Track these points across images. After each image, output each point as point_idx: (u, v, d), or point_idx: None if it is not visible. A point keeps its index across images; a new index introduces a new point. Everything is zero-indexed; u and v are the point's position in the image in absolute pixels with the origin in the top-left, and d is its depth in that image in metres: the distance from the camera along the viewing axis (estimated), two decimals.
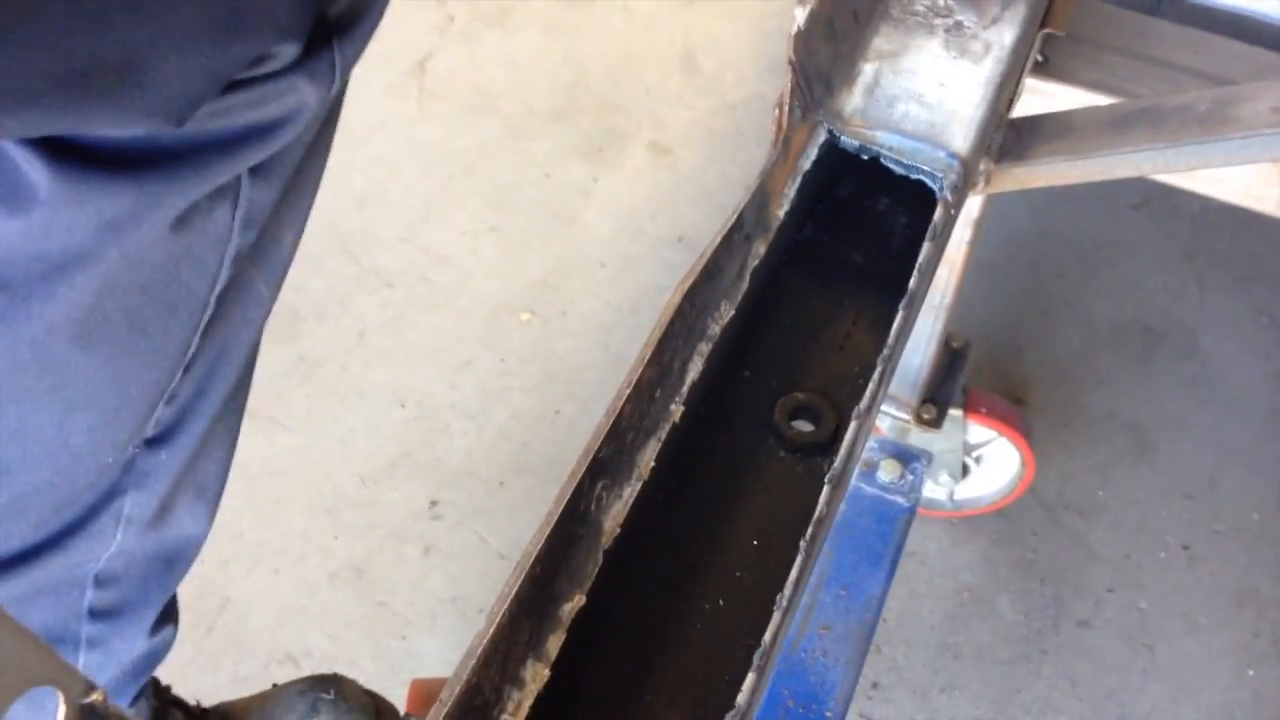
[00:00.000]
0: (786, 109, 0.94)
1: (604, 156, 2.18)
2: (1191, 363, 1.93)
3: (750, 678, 0.61)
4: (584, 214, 2.11)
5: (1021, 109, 1.15)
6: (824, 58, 0.97)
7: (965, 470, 1.72)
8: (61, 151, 0.63)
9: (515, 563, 0.62)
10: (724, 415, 0.85)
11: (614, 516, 0.69)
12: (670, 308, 0.76)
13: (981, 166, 1.13)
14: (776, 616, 0.69)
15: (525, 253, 2.05)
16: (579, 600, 0.65)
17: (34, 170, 0.63)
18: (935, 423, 1.58)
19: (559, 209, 2.11)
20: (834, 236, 1.01)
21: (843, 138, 0.96)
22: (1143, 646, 1.66)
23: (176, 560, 0.92)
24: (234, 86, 0.63)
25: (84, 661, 0.90)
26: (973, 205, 1.40)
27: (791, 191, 0.94)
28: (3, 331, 0.69)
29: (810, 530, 0.73)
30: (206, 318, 0.76)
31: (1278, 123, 1.03)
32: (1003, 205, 1.98)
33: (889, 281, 0.94)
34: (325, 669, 1.20)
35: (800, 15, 0.93)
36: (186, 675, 1.49)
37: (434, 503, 1.78)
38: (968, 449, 1.69)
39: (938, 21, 1.06)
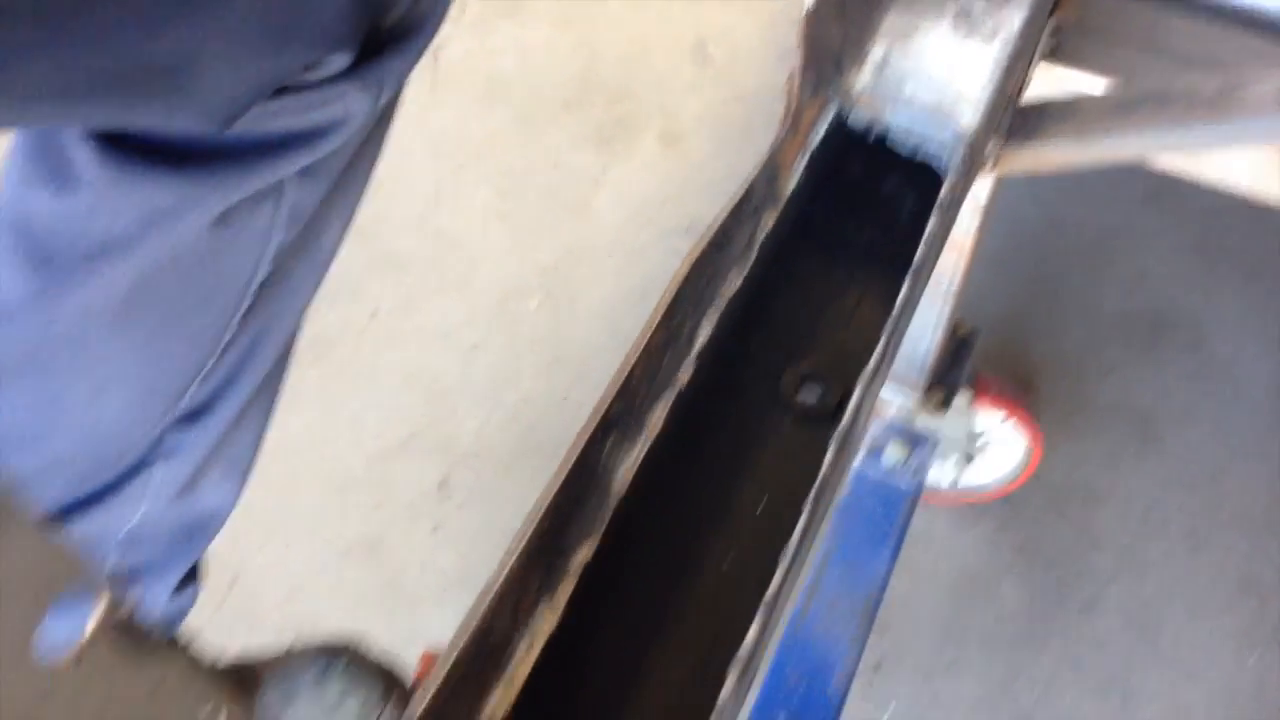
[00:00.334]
0: (797, 85, 0.96)
1: (614, 146, 2.19)
2: (1199, 354, 1.94)
3: (755, 627, 0.63)
4: (594, 202, 2.12)
5: (1031, 95, 1.16)
6: (834, 37, 0.99)
7: (971, 456, 1.73)
8: (110, 140, 0.64)
9: (526, 514, 0.63)
10: (731, 383, 0.86)
11: (624, 471, 0.70)
12: (680, 274, 0.77)
13: (989, 147, 1.14)
14: (781, 571, 0.70)
15: (535, 239, 2.07)
16: (589, 550, 0.66)
17: (81, 154, 0.65)
18: (942, 407, 1.59)
19: (569, 197, 2.13)
20: (843, 215, 1.03)
21: (852, 114, 0.98)
22: (1146, 631, 1.67)
23: (202, 530, 0.93)
24: (283, 91, 0.64)
25: None
26: (981, 191, 1.41)
27: (801, 166, 0.95)
28: (42, 306, 0.70)
29: (815, 489, 0.75)
30: (245, 307, 0.77)
31: None
32: (1012, 197, 1.99)
33: (896, 261, 0.95)
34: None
35: None
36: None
37: (443, 482, 1.80)
38: (974, 435, 1.70)
39: (948, 3, 1.07)
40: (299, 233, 0.75)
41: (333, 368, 1.90)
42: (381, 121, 0.77)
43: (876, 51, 1.02)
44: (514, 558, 0.60)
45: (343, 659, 1.10)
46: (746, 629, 0.66)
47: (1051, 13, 1.12)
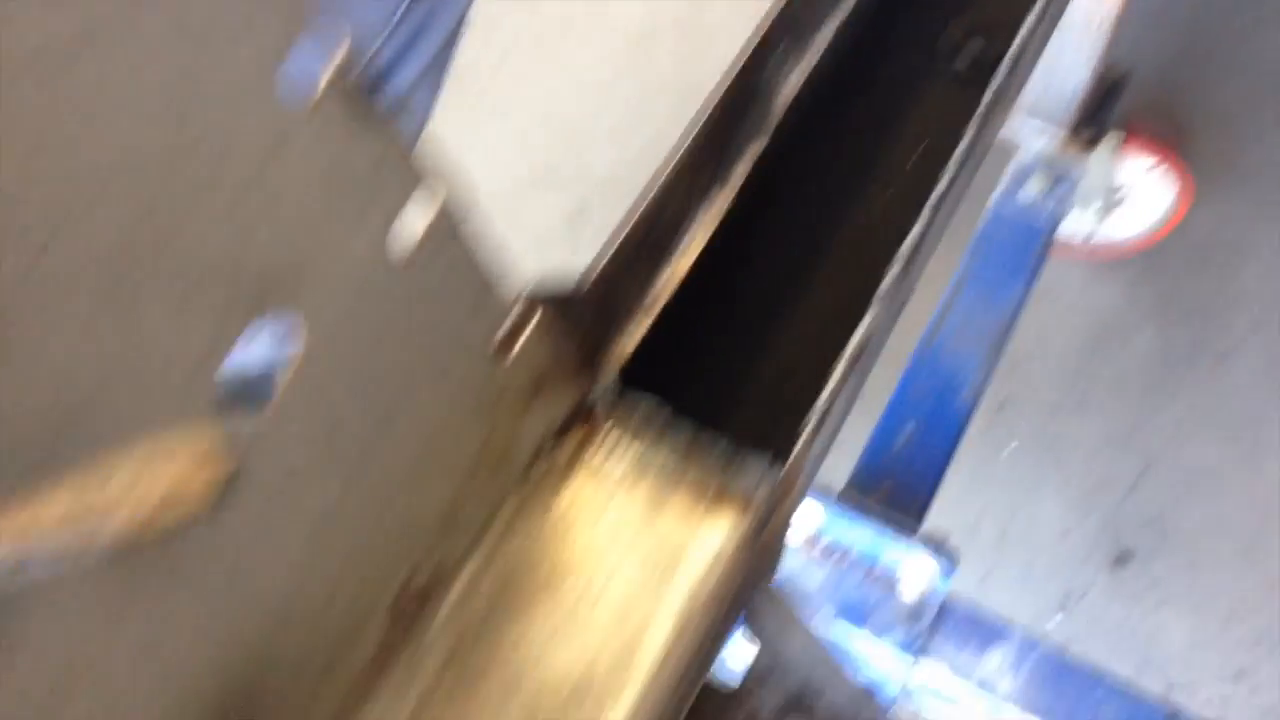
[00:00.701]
0: None
1: None
2: None
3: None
4: None
5: None
6: None
7: (1113, 205, 1.71)
8: None
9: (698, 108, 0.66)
10: (890, 37, 0.87)
11: (792, 83, 0.72)
12: None
13: None
14: (927, 213, 0.72)
15: None
16: (763, 140, 0.69)
17: None
18: (1088, 147, 1.56)
19: None
20: None
21: None
22: None
23: None
24: None
25: None
26: None
27: None
28: None
29: (964, 144, 0.76)
30: None
31: None
32: None
33: None
34: None
35: None
36: None
37: (576, 213, 1.84)
38: (1119, 181, 1.67)
39: None
40: None
41: (467, 99, 1.94)
42: None
43: None
44: (688, 141, 0.63)
45: None
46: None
47: None
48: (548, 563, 0.60)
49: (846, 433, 1.47)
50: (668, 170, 0.62)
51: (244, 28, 0.40)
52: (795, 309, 0.72)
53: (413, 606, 0.56)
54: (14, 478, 0.37)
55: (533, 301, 0.57)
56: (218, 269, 0.42)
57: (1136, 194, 1.71)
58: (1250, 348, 1.70)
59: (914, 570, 1.16)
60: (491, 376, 0.56)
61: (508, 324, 0.56)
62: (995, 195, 1.48)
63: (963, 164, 0.76)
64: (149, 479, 0.40)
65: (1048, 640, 1.15)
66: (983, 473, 1.64)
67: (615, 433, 0.63)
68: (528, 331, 0.57)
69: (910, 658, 1.15)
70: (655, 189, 0.62)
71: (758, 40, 0.69)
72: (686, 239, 0.67)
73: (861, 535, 1.16)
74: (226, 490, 0.43)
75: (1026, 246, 1.44)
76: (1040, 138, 1.56)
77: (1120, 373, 1.69)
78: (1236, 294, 1.74)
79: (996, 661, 1.16)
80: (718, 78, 0.70)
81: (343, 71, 0.44)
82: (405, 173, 0.49)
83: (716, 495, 0.61)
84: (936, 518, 1.24)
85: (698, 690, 0.63)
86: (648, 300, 0.67)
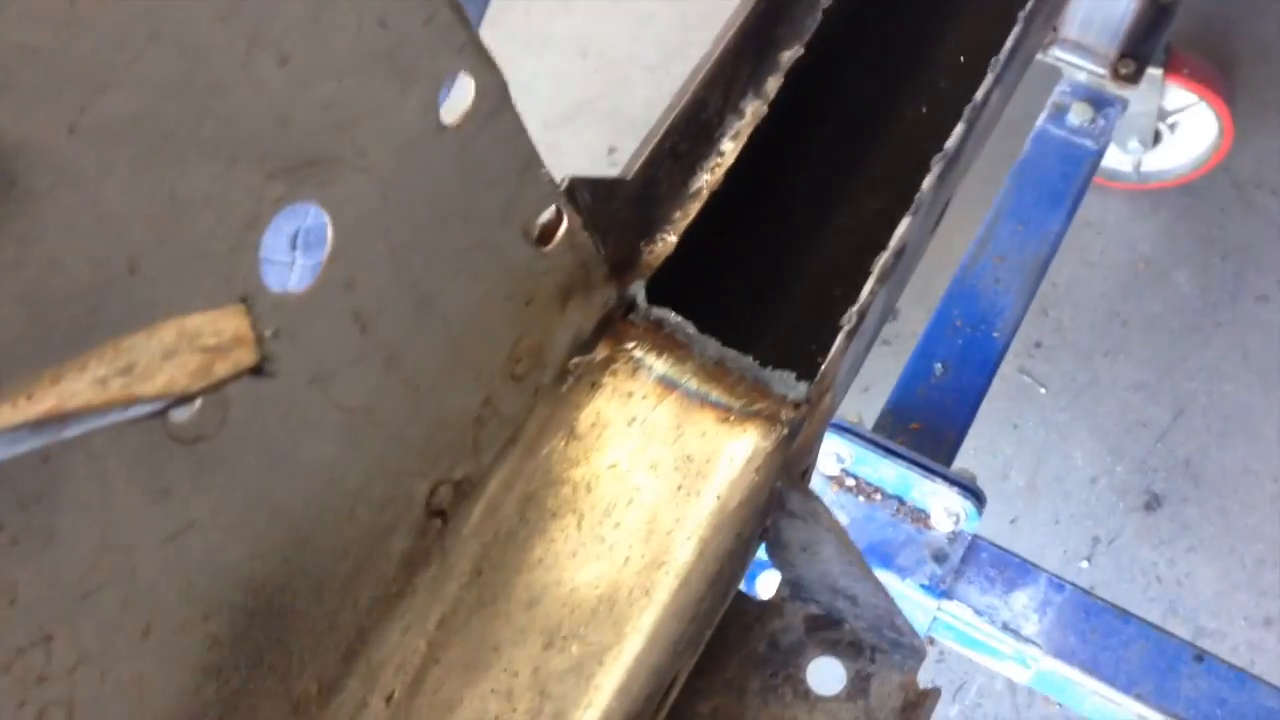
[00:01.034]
0: None
1: None
2: None
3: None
4: None
5: None
6: None
7: (1157, 138, 1.66)
8: None
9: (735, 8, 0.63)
10: None
11: None
12: None
13: None
14: (967, 116, 0.69)
15: None
16: (797, 50, 0.66)
17: None
18: (1133, 79, 1.52)
19: None
20: None
21: None
22: None
23: None
24: None
25: None
26: None
27: None
28: None
29: (1008, 46, 0.73)
30: None
31: None
32: None
33: None
34: None
35: None
36: None
37: (613, 149, 1.81)
38: (1162, 114, 1.63)
39: None
40: None
41: (504, 33, 1.90)
42: None
43: None
44: (723, 44, 0.61)
45: None
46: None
47: None
48: (574, 477, 0.58)
49: (876, 374, 1.45)
50: (700, 75, 0.60)
51: None
52: (829, 224, 0.70)
53: (438, 520, 0.55)
54: (57, 338, 0.36)
55: (573, 191, 0.55)
56: (263, 129, 0.40)
57: (1179, 129, 1.66)
58: None
59: (942, 508, 1.14)
60: (529, 269, 0.55)
61: (549, 213, 0.55)
62: (1037, 125, 1.44)
63: (1004, 69, 0.73)
64: (187, 350, 0.39)
65: (1074, 582, 1.13)
66: (1014, 416, 1.62)
67: (644, 345, 0.61)
68: (566, 223, 0.55)
69: (936, 599, 1.13)
70: (689, 94, 0.59)
71: None
72: (720, 147, 0.65)
73: (890, 472, 1.14)
74: (262, 371, 0.42)
75: (1067, 177, 1.41)
76: (1084, 67, 1.52)
77: (1155, 315, 1.66)
78: (1276, 235, 1.70)
79: (1023, 603, 1.14)
80: None
81: None
82: (457, 35, 0.47)
83: (744, 409, 0.59)
84: (966, 461, 1.22)
85: (727, 604, 0.61)
86: (679, 211, 0.65)
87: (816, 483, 1.14)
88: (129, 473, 0.39)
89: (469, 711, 0.52)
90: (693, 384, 0.60)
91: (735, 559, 0.58)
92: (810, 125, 0.71)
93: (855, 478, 1.17)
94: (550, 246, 0.56)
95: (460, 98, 0.49)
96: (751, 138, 0.64)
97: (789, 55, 0.66)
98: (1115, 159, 1.67)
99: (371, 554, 0.51)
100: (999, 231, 1.36)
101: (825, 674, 0.62)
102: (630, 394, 0.60)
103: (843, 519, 1.15)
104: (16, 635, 0.38)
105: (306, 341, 0.44)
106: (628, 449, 0.58)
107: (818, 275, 0.72)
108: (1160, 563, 1.52)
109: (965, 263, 1.35)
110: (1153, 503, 1.56)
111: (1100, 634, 1.12)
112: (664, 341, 0.62)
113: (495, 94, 0.50)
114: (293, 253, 0.46)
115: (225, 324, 0.40)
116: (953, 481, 1.13)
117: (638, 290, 0.63)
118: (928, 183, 0.63)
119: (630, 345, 0.61)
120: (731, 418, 0.59)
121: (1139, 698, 1.08)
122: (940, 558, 1.15)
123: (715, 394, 0.60)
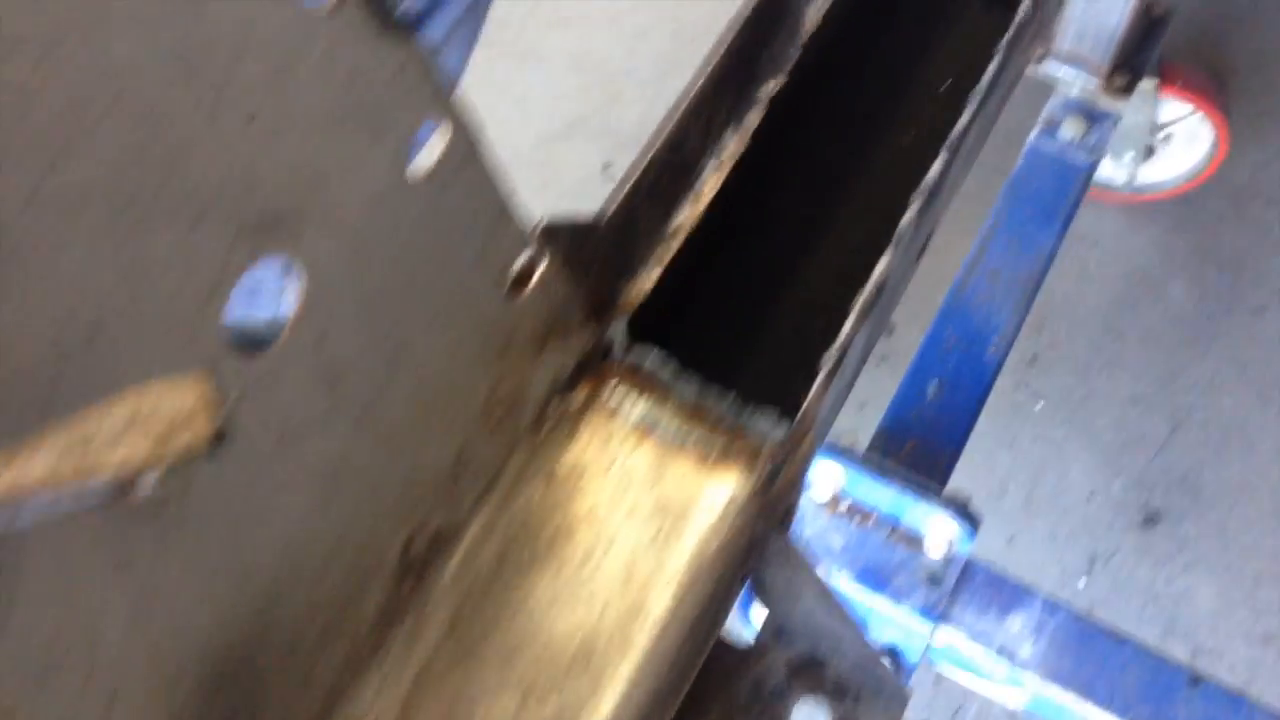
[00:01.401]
0: None
1: None
2: None
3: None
4: None
5: None
6: None
7: (1151, 150, 1.66)
8: None
9: (716, 39, 0.63)
10: None
11: (811, 17, 0.69)
12: None
13: None
14: (947, 150, 0.69)
15: None
16: (778, 84, 0.66)
17: None
18: (1126, 91, 1.51)
19: None
20: None
21: None
22: None
23: None
24: None
25: None
26: None
27: None
28: None
29: (988, 77, 0.72)
30: None
31: None
32: None
33: None
34: None
35: None
36: None
37: (607, 165, 1.81)
38: (1156, 127, 1.62)
39: None
40: None
41: (499, 50, 1.90)
42: None
43: None
44: (703, 79, 0.61)
45: None
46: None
47: None
48: (552, 524, 0.58)
49: (872, 391, 1.44)
50: (679, 112, 0.59)
51: None
52: (811, 257, 0.69)
53: (415, 570, 0.54)
54: (14, 414, 0.35)
55: (547, 235, 0.55)
56: (229, 189, 0.40)
57: (1173, 140, 1.66)
58: None
59: (937, 533, 1.13)
60: (502, 317, 0.54)
61: (522, 259, 0.54)
62: (1030, 139, 1.44)
63: (986, 98, 0.72)
64: (148, 421, 0.38)
65: (1070, 605, 1.12)
66: (1010, 432, 1.61)
67: (622, 387, 0.61)
68: (541, 269, 0.55)
69: (931, 623, 1.12)
70: (667, 131, 0.59)
71: None
72: (699, 184, 0.64)
73: (884, 496, 1.13)
74: (227, 437, 0.41)
75: (1061, 191, 1.40)
76: (1077, 80, 1.51)
77: (1151, 327, 1.65)
78: (1273, 246, 1.69)
79: (1018, 627, 1.13)
80: None
81: None
82: (426, 87, 0.46)
83: (724, 450, 0.58)
84: (962, 478, 1.21)
85: (708, 650, 0.61)
86: (658, 249, 0.64)
87: (810, 509, 1.14)
88: (90, 544, 0.39)
89: None
90: (672, 426, 0.60)
91: (715, 605, 0.57)
92: (792, 156, 0.71)
93: (849, 502, 1.16)
94: (525, 292, 0.55)
95: (431, 149, 0.49)
96: (732, 171, 0.64)
97: (769, 88, 0.66)
98: (1110, 170, 1.67)
99: (345, 611, 0.50)
100: (992, 248, 1.36)
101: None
102: (609, 437, 0.59)
103: (837, 543, 1.15)
104: None
105: (274, 403, 0.44)
106: (606, 495, 0.58)
107: (801, 307, 0.71)
108: (1158, 580, 1.51)
109: (959, 279, 1.34)
110: (1151, 519, 1.56)
111: (1095, 657, 1.11)
112: (643, 382, 0.61)
113: (466, 144, 0.49)
114: (259, 312, 0.45)
115: (186, 392, 0.39)
116: (947, 504, 1.12)
117: (617, 330, 0.62)
118: (907, 218, 0.62)
119: (609, 386, 0.61)
120: (710, 461, 0.59)
121: None
122: (935, 581, 1.15)
123: (694, 436, 0.59)
